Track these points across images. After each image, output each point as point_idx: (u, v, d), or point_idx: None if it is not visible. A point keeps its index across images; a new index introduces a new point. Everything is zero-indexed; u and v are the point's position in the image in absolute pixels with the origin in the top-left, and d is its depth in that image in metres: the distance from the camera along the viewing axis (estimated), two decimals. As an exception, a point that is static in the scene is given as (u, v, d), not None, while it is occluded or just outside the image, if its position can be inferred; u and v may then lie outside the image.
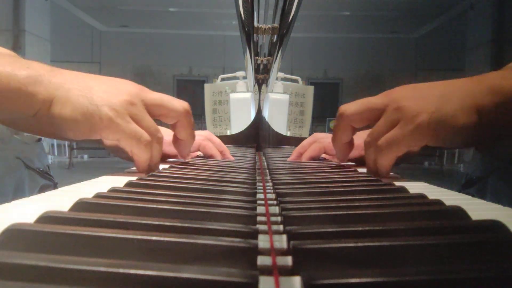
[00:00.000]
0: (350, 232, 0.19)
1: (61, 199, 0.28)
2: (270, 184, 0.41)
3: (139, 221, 0.20)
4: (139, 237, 0.17)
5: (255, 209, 0.25)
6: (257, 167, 0.57)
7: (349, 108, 0.47)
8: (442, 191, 0.37)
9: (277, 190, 0.32)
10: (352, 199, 0.28)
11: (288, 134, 1.77)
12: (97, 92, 0.43)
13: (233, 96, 1.48)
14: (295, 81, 2.01)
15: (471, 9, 6.57)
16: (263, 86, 1.22)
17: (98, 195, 0.27)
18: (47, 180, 0.78)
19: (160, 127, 0.49)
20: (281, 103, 1.48)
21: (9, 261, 0.14)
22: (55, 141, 7.61)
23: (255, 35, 0.80)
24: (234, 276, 0.14)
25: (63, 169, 6.00)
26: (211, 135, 0.70)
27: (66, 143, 7.27)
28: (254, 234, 0.19)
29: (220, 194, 0.30)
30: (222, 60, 8.33)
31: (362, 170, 0.50)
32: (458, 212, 0.23)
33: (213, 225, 0.20)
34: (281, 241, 0.20)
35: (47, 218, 0.20)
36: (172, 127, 0.50)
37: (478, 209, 0.27)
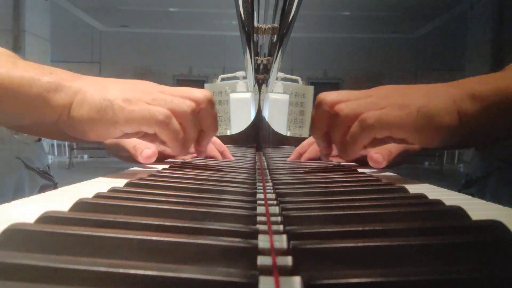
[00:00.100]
0: (350, 232, 0.19)
1: (61, 199, 0.29)
2: (270, 184, 0.41)
3: (139, 221, 0.20)
4: (139, 237, 0.17)
5: (255, 209, 0.25)
6: (257, 167, 0.57)
7: (329, 95, 0.46)
8: (442, 191, 0.37)
9: (277, 190, 0.32)
10: (352, 199, 0.28)
11: (288, 134, 1.77)
12: (111, 90, 0.43)
13: (233, 96, 1.48)
14: (295, 81, 2.01)
15: (471, 9, 6.57)
16: (263, 86, 1.22)
17: (98, 195, 0.27)
18: (47, 180, 0.78)
19: None
20: (281, 103, 1.48)
21: (9, 261, 0.14)
22: (55, 141, 7.60)
23: (255, 35, 0.80)
24: (234, 276, 0.14)
25: (63, 169, 6.00)
26: None
27: (66, 143, 7.27)
28: (254, 234, 0.19)
29: (220, 194, 0.30)
30: (222, 60, 8.33)
31: (362, 170, 0.50)
32: (458, 212, 0.23)
33: (213, 225, 0.20)
34: (281, 241, 0.20)
35: (47, 218, 0.20)
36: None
37: (478, 209, 0.27)
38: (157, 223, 0.20)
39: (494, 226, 0.19)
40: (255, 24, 0.76)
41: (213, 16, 7.36)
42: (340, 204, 0.26)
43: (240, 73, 1.68)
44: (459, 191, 0.57)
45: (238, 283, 0.13)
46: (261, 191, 0.37)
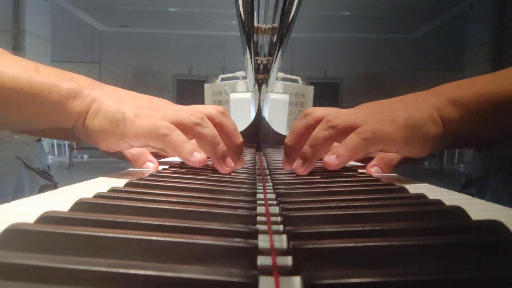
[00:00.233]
0: (350, 232, 0.19)
1: (61, 199, 0.29)
2: (270, 184, 0.41)
3: (139, 221, 0.20)
4: (139, 237, 0.17)
5: (255, 209, 0.25)
6: (257, 167, 0.57)
7: (317, 110, 0.46)
8: (442, 191, 0.37)
9: (277, 190, 0.32)
10: (352, 199, 0.28)
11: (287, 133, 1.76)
12: (126, 103, 0.44)
13: (233, 96, 1.48)
14: (295, 81, 2.01)
15: (471, 9, 6.57)
16: (263, 86, 1.22)
17: (98, 195, 0.27)
18: (47, 180, 0.78)
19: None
20: (281, 103, 1.48)
21: (9, 261, 0.14)
22: (55, 141, 7.61)
23: (255, 35, 0.80)
24: (234, 276, 0.14)
25: (63, 169, 6.00)
26: None
27: (66, 142, 7.27)
28: (254, 234, 0.19)
29: (220, 194, 0.30)
30: (222, 60, 8.32)
31: (362, 170, 0.50)
32: (458, 212, 0.23)
33: (213, 225, 0.20)
34: (281, 241, 0.20)
35: (47, 218, 0.20)
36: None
37: (478, 209, 0.27)
38: (157, 223, 0.20)
39: (494, 226, 0.19)
40: (255, 24, 0.76)
41: (213, 16, 7.36)
42: (340, 204, 0.26)
43: (240, 73, 1.68)
44: (459, 191, 0.57)
45: (238, 283, 0.13)
46: (261, 191, 0.37)
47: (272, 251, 0.19)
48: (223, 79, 1.90)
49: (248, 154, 0.81)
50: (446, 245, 0.17)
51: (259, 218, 0.24)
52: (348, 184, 0.36)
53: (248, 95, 1.43)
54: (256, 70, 1.07)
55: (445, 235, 0.19)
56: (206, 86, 1.88)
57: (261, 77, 1.16)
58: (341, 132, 0.42)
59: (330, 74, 8.93)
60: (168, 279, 0.14)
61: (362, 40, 8.46)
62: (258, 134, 1.20)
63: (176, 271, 0.14)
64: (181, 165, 0.51)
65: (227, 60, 8.25)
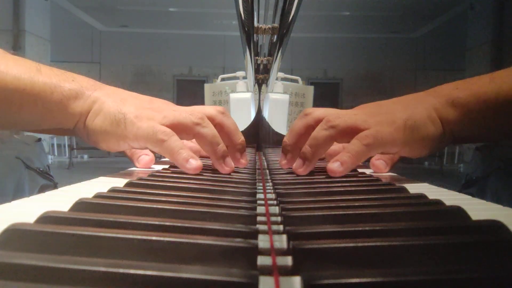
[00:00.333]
0: (350, 232, 0.19)
1: (61, 199, 0.28)
2: (270, 184, 0.41)
3: (139, 221, 0.20)
4: (139, 237, 0.17)
5: (255, 209, 0.25)
6: (257, 167, 0.57)
7: (317, 110, 0.46)
8: (442, 191, 0.37)
9: (277, 190, 0.32)
10: (352, 199, 0.28)
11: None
12: (128, 104, 0.44)
13: (233, 96, 1.48)
14: (295, 81, 2.01)
15: (471, 9, 6.57)
16: (263, 86, 1.22)
17: (98, 195, 0.27)
18: (47, 180, 0.78)
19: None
20: (281, 103, 1.48)
21: (9, 261, 0.14)
22: (55, 141, 7.61)
23: (255, 35, 0.80)
24: (234, 276, 0.14)
25: (63, 169, 6.00)
26: None
27: (66, 143, 7.28)
28: (254, 234, 0.19)
29: (220, 194, 0.30)
30: (222, 60, 8.33)
31: (362, 169, 0.50)
32: (458, 212, 0.23)
33: (213, 225, 0.20)
34: (281, 241, 0.20)
35: (47, 218, 0.20)
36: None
37: (478, 209, 0.27)
38: (157, 223, 0.20)
39: (494, 226, 0.19)
40: (255, 24, 0.76)
41: (213, 16, 7.36)
42: (340, 204, 0.26)
43: (240, 73, 1.68)
44: (459, 191, 0.57)
45: (238, 283, 0.13)
46: (261, 191, 0.37)
47: (272, 251, 0.19)
48: (223, 79, 1.90)
49: (248, 154, 0.81)
50: (446, 245, 0.17)
51: (259, 218, 0.24)
52: (348, 184, 0.36)
53: (248, 95, 1.43)
54: (256, 70, 1.07)
55: (445, 235, 0.19)
56: (206, 86, 1.88)
57: (261, 77, 1.16)
58: (341, 133, 0.42)
59: (330, 74, 8.93)
60: (168, 279, 0.14)
61: (362, 40, 8.46)
62: (258, 134, 1.20)
63: (176, 271, 0.14)
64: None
65: (227, 60, 8.25)
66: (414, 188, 0.34)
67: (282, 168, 0.48)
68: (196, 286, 0.14)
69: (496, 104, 0.42)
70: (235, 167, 0.46)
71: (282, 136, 1.23)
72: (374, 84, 8.56)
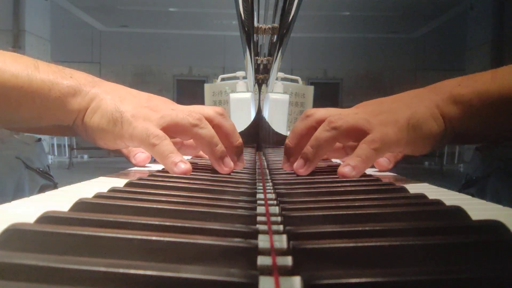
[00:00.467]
0: (350, 232, 0.19)
1: (61, 199, 0.28)
2: (270, 184, 0.41)
3: (139, 221, 0.20)
4: (139, 237, 0.17)
5: (255, 209, 0.25)
6: (257, 167, 0.57)
7: (319, 111, 0.46)
8: (442, 191, 0.37)
9: (277, 190, 0.32)
10: (352, 199, 0.28)
11: (288, 134, 1.76)
12: (126, 102, 0.44)
13: (233, 96, 1.48)
14: (295, 81, 2.01)
15: (471, 9, 6.57)
16: (263, 86, 1.22)
17: (98, 195, 0.27)
18: (47, 180, 0.78)
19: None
20: (281, 103, 1.48)
21: (9, 261, 0.14)
22: (55, 141, 7.61)
23: (255, 35, 0.80)
24: (234, 276, 0.14)
25: (63, 169, 5.99)
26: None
27: (66, 143, 7.28)
28: (254, 234, 0.19)
29: (220, 194, 0.30)
30: (222, 60, 8.32)
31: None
32: (458, 212, 0.23)
33: (213, 225, 0.20)
34: (281, 241, 0.20)
35: (47, 218, 0.20)
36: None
37: (478, 209, 0.27)
38: (157, 223, 0.20)
39: (494, 226, 0.19)
40: (255, 24, 0.76)
41: (213, 16, 7.36)
42: (340, 204, 0.26)
43: (240, 73, 1.68)
44: (459, 191, 0.57)
45: (238, 283, 0.13)
46: (261, 191, 0.37)
47: (272, 251, 0.19)
48: (223, 79, 1.89)
49: (248, 154, 0.81)
50: (446, 245, 0.17)
51: (259, 218, 0.24)
52: (348, 184, 0.36)
53: (248, 95, 1.43)
54: (256, 70, 1.07)
55: (445, 235, 0.19)
56: (206, 86, 1.88)
57: (261, 77, 1.16)
58: (344, 133, 0.42)
59: (330, 74, 8.93)
60: (168, 279, 0.14)
61: (362, 40, 8.46)
62: (258, 134, 1.20)
63: (176, 271, 0.14)
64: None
65: (227, 60, 8.25)
66: (414, 188, 0.34)
67: (282, 168, 0.48)
68: (196, 286, 0.14)
69: (498, 102, 0.42)
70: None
71: (282, 136, 1.24)
72: (374, 84, 8.55)
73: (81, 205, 0.24)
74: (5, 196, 0.63)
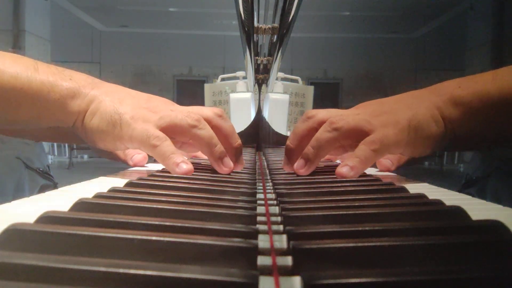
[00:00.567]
0: (350, 232, 0.19)
1: (61, 199, 0.29)
2: (270, 184, 0.41)
3: (139, 221, 0.20)
4: (139, 237, 0.17)
5: (255, 209, 0.25)
6: (257, 167, 0.57)
7: (320, 112, 0.46)
8: (442, 191, 0.37)
9: (277, 190, 0.32)
10: (352, 199, 0.28)
11: (288, 134, 1.77)
12: (125, 104, 0.44)
13: (233, 96, 1.48)
14: (295, 81, 2.01)
15: (471, 9, 6.57)
16: (263, 86, 1.22)
17: (98, 195, 0.27)
18: (47, 180, 0.78)
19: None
20: (281, 103, 1.48)
21: (9, 261, 0.14)
22: (55, 141, 7.60)
23: (255, 35, 0.80)
24: (234, 276, 0.14)
25: (63, 169, 5.99)
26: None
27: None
28: (254, 234, 0.19)
29: (220, 194, 0.30)
30: (222, 60, 8.32)
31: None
32: (458, 212, 0.23)
33: (213, 225, 0.20)
34: (281, 241, 0.20)
35: (47, 218, 0.20)
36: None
37: (478, 209, 0.27)
38: (157, 223, 0.20)
39: (494, 226, 0.19)
40: (255, 24, 0.76)
41: (213, 16, 7.36)
42: (340, 204, 0.26)
43: (240, 73, 1.68)
44: (459, 191, 0.57)
45: (238, 283, 0.13)
46: (261, 191, 0.37)
47: (272, 251, 0.19)
48: (223, 79, 1.89)
49: (248, 154, 0.81)
50: (446, 245, 0.17)
51: (259, 218, 0.24)
52: (348, 184, 0.36)
53: (248, 95, 1.43)
54: (256, 70, 1.07)
55: (445, 235, 0.19)
56: (206, 86, 1.88)
57: (261, 77, 1.16)
58: (345, 135, 0.42)
59: (330, 74, 8.93)
60: (168, 279, 0.14)
61: (362, 40, 8.45)
62: (258, 134, 1.19)
63: (176, 271, 0.14)
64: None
65: (227, 60, 8.25)
66: (414, 188, 0.34)
67: (282, 168, 0.48)
68: (196, 286, 0.14)
69: (498, 103, 0.42)
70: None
71: (282, 136, 1.24)
72: (374, 84, 8.55)
73: (81, 205, 0.24)
74: (5, 196, 0.63)
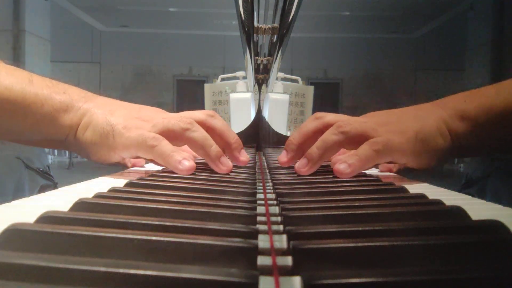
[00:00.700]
0: (350, 232, 0.19)
1: (61, 199, 0.28)
2: (270, 184, 0.41)
3: (139, 221, 0.20)
4: (139, 237, 0.17)
5: (255, 209, 0.25)
6: (257, 167, 0.57)
7: (329, 115, 0.46)
8: (442, 191, 0.37)
9: (277, 190, 0.32)
10: (352, 199, 0.28)
11: (288, 134, 1.77)
12: (116, 115, 0.44)
13: (233, 96, 1.48)
14: (295, 81, 2.01)
15: (471, 9, 6.57)
16: (263, 86, 1.22)
17: (98, 195, 0.27)
18: (47, 180, 0.78)
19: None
20: (281, 103, 1.48)
21: (9, 261, 0.14)
22: (55, 141, 7.59)
23: (255, 35, 0.80)
24: (234, 276, 0.14)
25: (63, 169, 5.99)
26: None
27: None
28: (254, 234, 0.19)
29: (220, 194, 0.30)
30: (222, 60, 8.32)
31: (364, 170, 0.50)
32: (458, 212, 0.23)
33: (213, 225, 0.20)
34: (281, 241, 0.20)
35: (47, 218, 0.20)
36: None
37: (478, 209, 0.27)
38: (157, 223, 0.20)
39: (494, 226, 0.19)
40: (255, 24, 0.76)
41: (213, 16, 7.36)
42: (340, 204, 0.26)
43: (240, 73, 1.68)
44: (459, 191, 0.57)
45: (238, 283, 0.13)
46: (261, 191, 0.37)
47: (272, 251, 0.19)
48: (223, 79, 1.90)
49: (248, 154, 0.81)
50: (446, 245, 0.17)
51: (259, 218, 0.24)
52: (348, 184, 0.36)
53: (248, 95, 1.43)
54: (256, 70, 1.07)
55: (445, 235, 0.19)
56: (206, 86, 1.88)
57: (261, 77, 1.16)
58: (351, 139, 0.42)
59: (330, 74, 8.92)
60: (168, 279, 0.14)
61: (362, 40, 8.45)
62: (258, 134, 1.19)
63: (176, 271, 0.14)
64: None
65: (227, 60, 8.25)
66: (414, 188, 0.34)
67: (282, 168, 0.48)
68: (196, 286, 0.14)
69: (503, 116, 0.42)
70: (235, 167, 0.46)
71: (282, 136, 1.24)
72: (374, 84, 8.55)
73: (81, 205, 0.24)
74: (5, 196, 0.63)
